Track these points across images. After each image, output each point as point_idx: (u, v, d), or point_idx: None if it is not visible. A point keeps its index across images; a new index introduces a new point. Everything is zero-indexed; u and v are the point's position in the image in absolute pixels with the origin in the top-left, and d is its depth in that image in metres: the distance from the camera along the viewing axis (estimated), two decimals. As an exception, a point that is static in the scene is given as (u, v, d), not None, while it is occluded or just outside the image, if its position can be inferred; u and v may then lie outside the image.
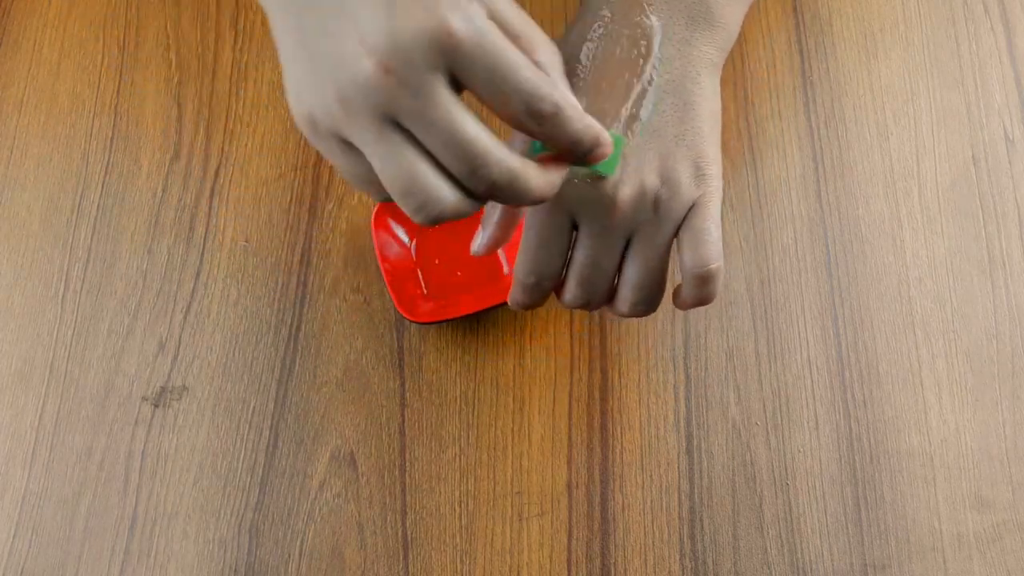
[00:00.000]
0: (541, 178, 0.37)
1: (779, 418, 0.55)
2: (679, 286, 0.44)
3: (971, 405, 0.55)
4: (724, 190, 0.59)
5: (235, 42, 0.64)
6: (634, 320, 0.57)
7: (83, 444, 0.55)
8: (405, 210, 0.36)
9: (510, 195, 0.36)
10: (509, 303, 0.47)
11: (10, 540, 0.54)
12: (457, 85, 0.35)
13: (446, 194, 0.35)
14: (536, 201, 0.37)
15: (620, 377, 0.56)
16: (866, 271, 0.58)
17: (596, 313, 0.57)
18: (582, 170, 0.40)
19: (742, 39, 0.63)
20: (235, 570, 0.53)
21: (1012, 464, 0.54)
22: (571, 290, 0.45)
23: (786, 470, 0.54)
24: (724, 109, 0.61)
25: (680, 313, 0.57)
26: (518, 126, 0.36)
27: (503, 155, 0.35)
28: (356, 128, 0.35)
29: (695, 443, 0.54)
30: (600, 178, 0.41)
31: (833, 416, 0.55)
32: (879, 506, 0.53)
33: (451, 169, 0.35)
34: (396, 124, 0.35)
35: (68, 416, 0.56)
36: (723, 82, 0.62)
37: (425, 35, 0.33)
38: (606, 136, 0.38)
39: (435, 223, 0.36)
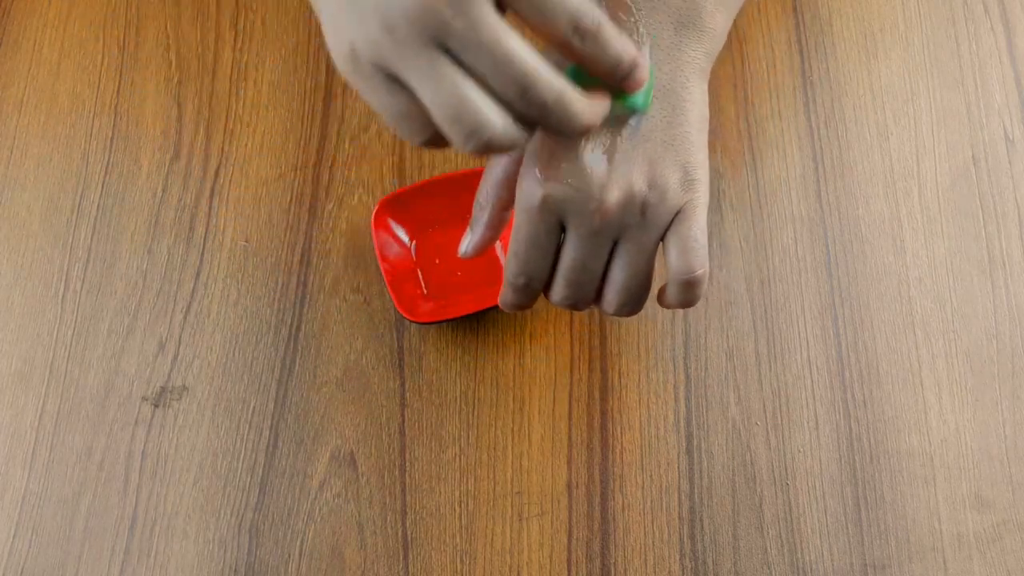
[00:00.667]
0: (587, 105, 0.37)
1: (779, 418, 0.55)
2: (664, 287, 0.45)
3: (971, 405, 0.55)
4: (724, 190, 0.59)
5: (235, 42, 0.64)
6: (634, 320, 0.57)
7: (83, 444, 0.55)
8: (454, 139, 0.36)
9: (560, 118, 0.36)
10: (500, 304, 0.47)
11: (10, 540, 0.54)
12: (501, 7, 0.35)
13: (496, 118, 0.35)
14: (583, 128, 0.37)
15: (620, 377, 0.56)
16: (866, 271, 0.58)
17: (596, 313, 0.57)
18: (621, 103, 0.41)
19: (742, 39, 0.63)
20: (235, 570, 0.53)
21: (1012, 464, 0.53)
22: (558, 291, 0.45)
23: (786, 470, 0.54)
24: (724, 109, 0.61)
25: (680, 313, 0.57)
26: (563, 45, 0.36)
27: (552, 76, 0.35)
28: (403, 56, 0.35)
29: (695, 443, 0.54)
30: (635, 113, 0.41)
31: (833, 416, 0.55)
32: (879, 506, 0.53)
33: (501, 92, 0.35)
34: (444, 49, 0.34)
35: (68, 416, 0.56)
36: (723, 82, 0.62)
37: None
38: (643, 59, 0.38)
39: (484, 150, 0.36)
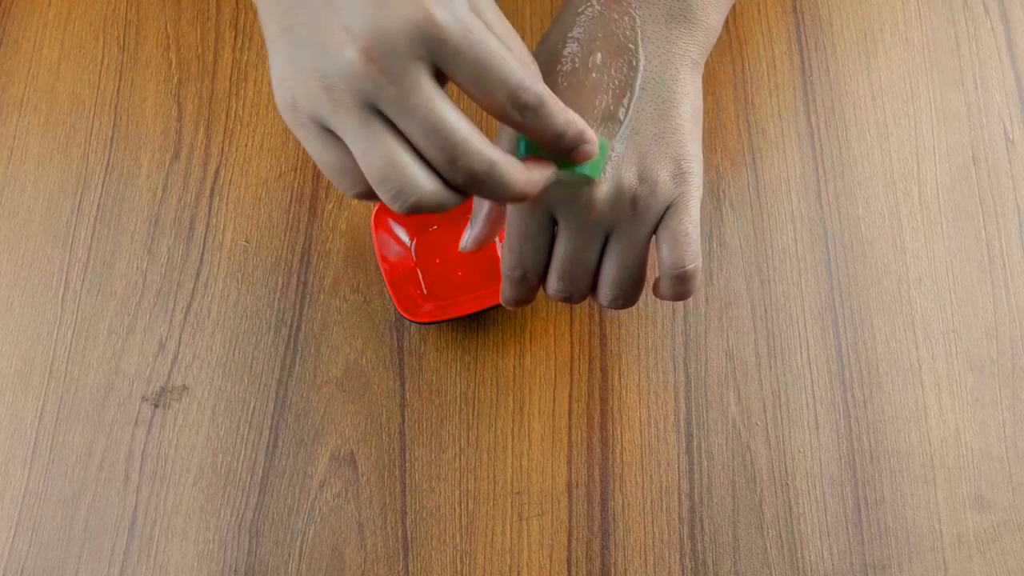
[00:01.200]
0: (523, 175, 0.37)
1: (779, 418, 0.55)
2: (658, 278, 0.45)
3: (971, 405, 0.55)
4: (724, 190, 0.59)
5: (235, 42, 0.64)
6: (634, 320, 0.57)
7: (83, 444, 0.55)
8: (383, 198, 0.36)
9: (489, 188, 0.36)
10: (501, 301, 0.47)
11: (10, 540, 0.54)
12: (441, 79, 0.35)
13: (423, 182, 0.35)
14: (518, 197, 0.37)
15: (620, 377, 0.56)
16: (866, 271, 0.58)
17: (596, 313, 0.57)
18: (568, 172, 0.40)
19: (742, 39, 0.63)
20: (235, 570, 0.53)
21: (1012, 464, 0.54)
22: (552, 283, 0.45)
23: (786, 470, 0.54)
24: (724, 109, 0.61)
25: (680, 313, 0.57)
26: (502, 117, 0.36)
27: (483, 147, 0.35)
28: (338, 115, 0.35)
29: (695, 443, 0.54)
30: (586, 181, 0.41)
31: (833, 416, 0.55)
32: (879, 506, 0.53)
33: (430, 158, 0.35)
34: (378, 112, 0.35)
35: (68, 416, 0.56)
36: (723, 82, 0.62)
37: (409, 24, 0.33)
38: (590, 134, 0.38)
39: (412, 212, 0.36)
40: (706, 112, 0.61)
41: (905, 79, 0.62)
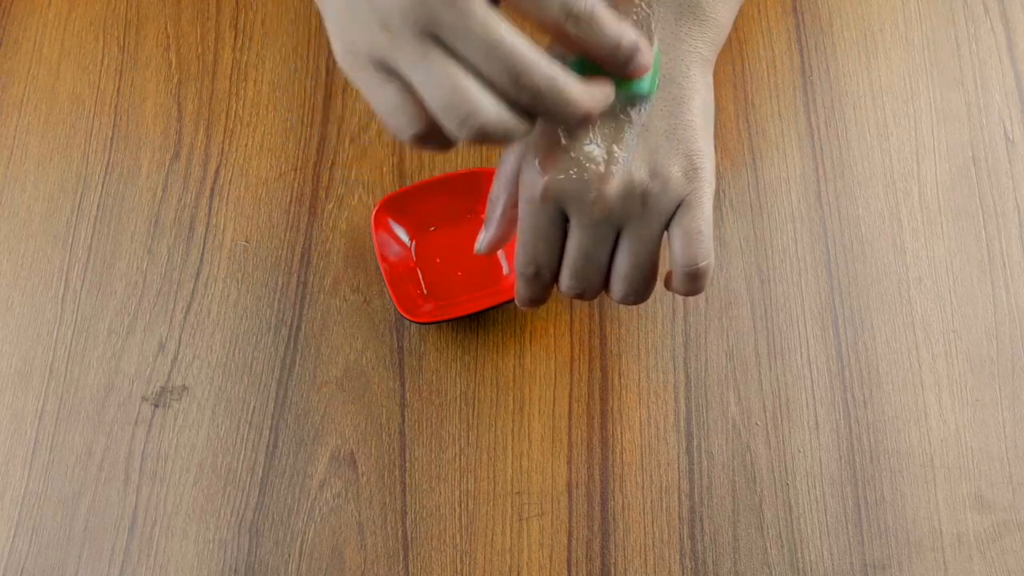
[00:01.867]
0: (585, 92, 0.37)
1: (779, 418, 0.55)
2: (670, 272, 0.45)
3: (971, 405, 0.55)
4: (724, 190, 0.59)
5: (235, 42, 0.64)
6: (634, 320, 0.57)
7: (83, 444, 0.55)
8: (448, 125, 0.36)
9: (554, 105, 0.36)
10: (517, 303, 0.47)
11: (10, 540, 0.54)
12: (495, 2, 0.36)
13: (488, 105, 0.35)
14: (582, 115, 0.37)
15: (620, 377, 0.56)
16: (866, 271, 0.58)
17: (596, 313, 0.57)
18: (626, 89, 0.40)
19: (742, 39, 0.63)
20: (235, 570, 0.53)
21: (1012, 464, 0.54)
22: (565, 280, 0.45)
23: (786, 470, 0.54)
24: (724, 109, 0.61)
25: (680, 313, 0.57)
26: (558, 32, 0.36)
27: (545, 63, 0.36)
28: (397, 49, 0.35)
29: (695, 443, 0.54)
30: (642, 99, 0.41)
31: (833, 416, 0.55)
32: (879, 506, 0.53)
33: (494, 81, 0.35)
34: (437, 40, 0.35)
35: (68, 416, 0.56)
36: (723, 82, 0.62)
37: None
38: (644, 42, 0.38)
39: (480, 138, 0.36)
40: (714, 121, 0.61)
41: (905, 79, 0.62)
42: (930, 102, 0.61)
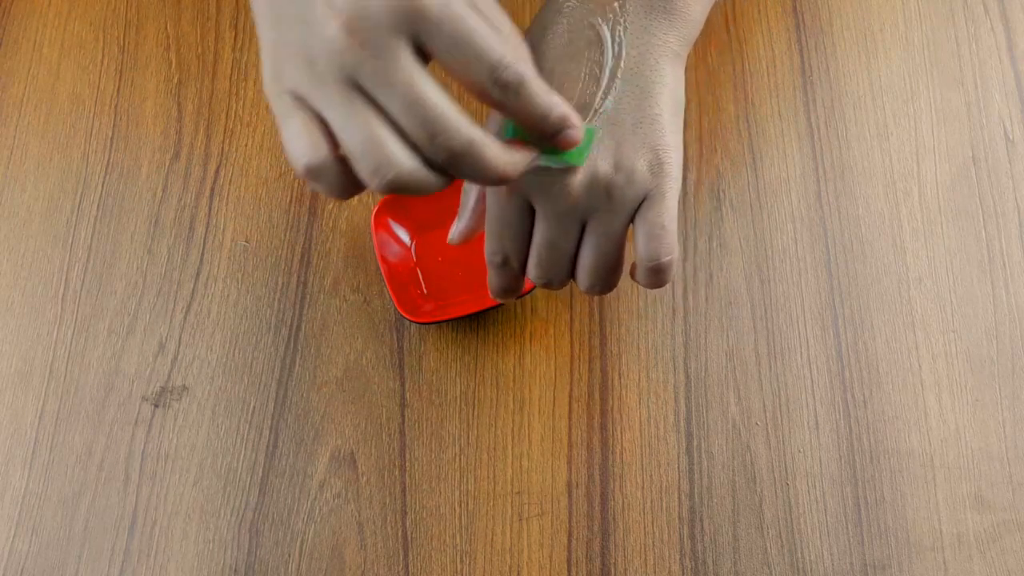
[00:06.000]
0: (504, 156, 0.37)
1: (779, 418, 0.55)
2: (635, 265, 0.44)
3: (971, 405, 0.55)
4: (724, 190, 0.59)
5: (235, 42, 0.64)
6: (634, 320, 0.57)
7: (83, 444, 0.55)
8: (361, 174, 0.36)
9: (469, 168, 0.36)
10: (490, 293, 0.47)
11: (10, 540, 0.54)
12: (424, 57, 0.35)
13: (402, 158, 0.35)
14: (497, 179, 0.37)
15: (620, 377, 0.56)
16: (866, 271, 0.58)
17: (596, 313, 0.57)
18: (551, 159, 0.40)
19: (742, 39, 0.63)
20: (235, 570, 0.53)
21: (1012, 464, 0.54)
22: (531, 269, 0.45)
23: (786, 470, 0.54)
24: (724, 109, 0.61)
25: (680, 313, 0.57)
26: (484, 97, 0.36)
27: (463, 125, 0.35)
28: (319, 89, 0.35)
29: (695, 443, 0.54)
30: (569, 168, 0.41)
31: (833, 416, 0.55)
32: (879, 506, 0.53)
33: (410, 135, 0.35)
34: (359, 88, 0.35)
35: (68, 416, 0.56)
36: (723, 82, 0.62)
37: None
38: (575, 119, 0.38)
39: (390, 189, 0.36)
40: (706, 112, 0.61)
41: (905, 79, 0.62)
42: (930, 102, 0.61)
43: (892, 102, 0.61)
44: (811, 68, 0.62)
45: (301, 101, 0.36)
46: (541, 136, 0.38)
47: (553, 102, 0.37)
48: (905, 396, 0.55)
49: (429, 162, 0.36)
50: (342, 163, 0.36)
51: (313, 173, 0.37)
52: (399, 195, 0.37)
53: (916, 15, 0.64)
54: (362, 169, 0.36)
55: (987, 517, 0.52)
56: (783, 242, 0.58)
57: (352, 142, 0.35)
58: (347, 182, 0.37)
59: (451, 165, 0.36)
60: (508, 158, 0.37)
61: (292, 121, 0.37)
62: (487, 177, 0.37)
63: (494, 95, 0.36)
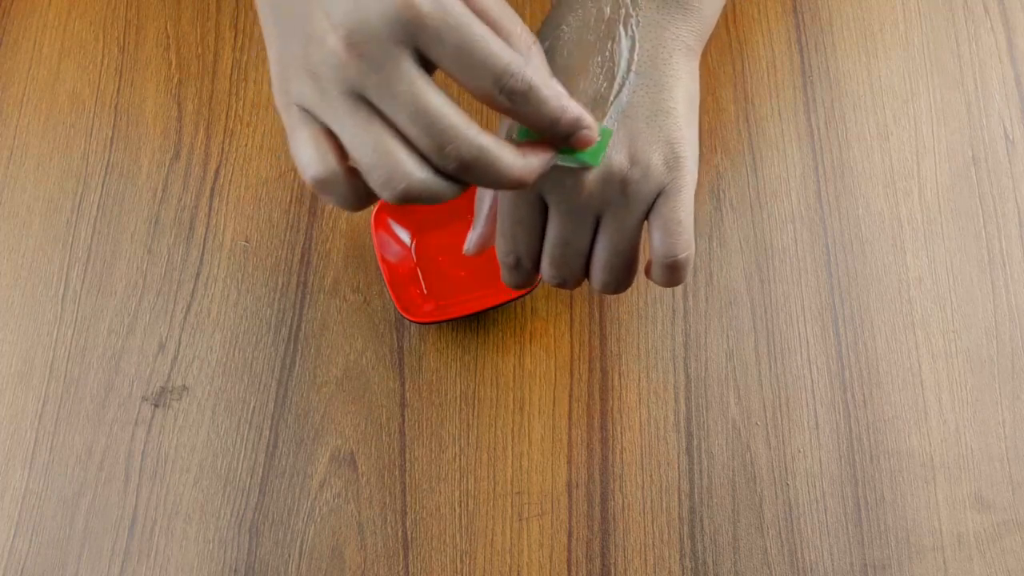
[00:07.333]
0: (517, 161, 0.36)
1: (779, 418, 0.55)
2: (650, 262, 0.44)
3: (971, 405, 0.55)
4: (724, 190, 0.59)
5: (235, 42, 0.64)
6: (634, 320, 0.57)
7: (83, 444, 0.55)
8: (373, 186, 0.36)
9: (482, 175, 0.36)
10: (503, 281, 0.47)
11: (10, 540, 0.54)
12: (429, 67, 0.35)
13: (413, 169, 0.35)
14: (513, 184, 0.37)
15: (620, 377, 0.56)
16: (866, 271, 0.58)
17: (596, 313, 0.57)
18: (566, 159, 0.40)
19: (742, 39, 0.63)
20: (235, 570, 0.53)
21: (1012, 464, 0.54)
22: (545, 269, 0.44)
23: (786, 470, 0.54)
24: (724, 109, 0.61)
25: (680, 313, 0.57)
26: (492, 104, 0.36)
27: (472, 132, 0.35)
28: (325, 103, 0.35)
29: (695, 443, 0.54)
30: (585, 168, 0.41)
31: (833, 416, 0.55)
32: (879, 506, 0.53)
33: (419, 145, 0.35)
34: (365, 100, 0.35)
35: (68, 416, 0.56)
36: (723, 82, 0.62)
37: (388, 10, 0.33)
38: (588, 119, 0.38)
39: (403, 200, 0.35)
40: (706, 112, 0.61)
41: (905, 79, 0.62)
42: (930, 102, 0.61)
43: (892, 102, 0.61)
44: (811, 68, 0.62)
45: (308, 114, 0.36)
46: (554, 138, 0.38)
47: (564, 105, 0.37)
48: (905, 396, 0.55)
49: (441, 170, 0.36)
50: (352, 175, 0.36)
51: (322, 185, 0.37)
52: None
53: (916, 15, 0.64)
54: (374, 181, 0.35)
55: (987, 517, 0.52)
56: (783, 242, 0.58)
57: (362, 155, 0.35)
58: (357, 193, 0.37)
59: (463, 173, 0.36)
60: (523, 162, 0.37)
61: (300, 133, 0.36)
62: (502, 183, 0.36)
63: (501, 103, 0.36)
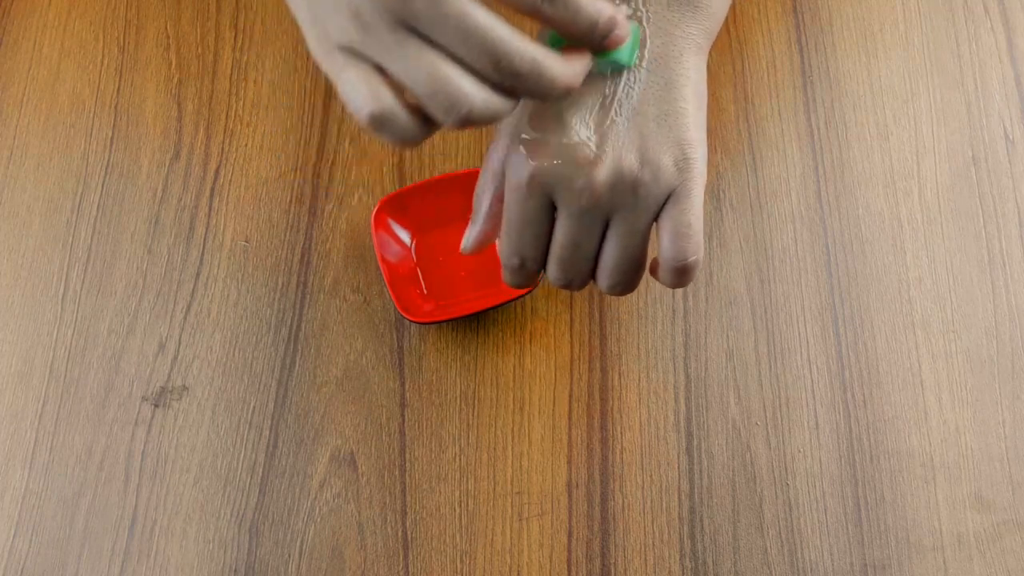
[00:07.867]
0: (565, 67, 0.37)
1: (779, 418, 0.55)
2: (656, 262, 0.44)
3: (971, 405, 0.55)
4: (724, 190, 0.59)
5: (235, 42, 0.64)
6: (634, 320, 0.57)
7: (83, 444, 0.55)
8: (435, 114, 0.36)
9: (536, 84, 0.36)
10: (504, 281, 0.46)
11: (10, 540, 0.54)
12: None
13: (472, 90, 0.35)
14: (563, 91, 0.37)
15: (620, 377, 0.56)
16: (866, 271, 0.58)
17: (596, 313, 0.57)
18: (603, 61, 0.40)
19: (742, 39, 0.63)
20: (235, 570, 0.53)
21: (1012, 464, 0.54)
22: (552, 271, 0.44)
23: (786, 470, 0.54)
24: (724, 109, 0.61)
25: (680, 313, 0.57)
26: (533, 12, 0.36)
27: (523, 43, 0.35)
28: (372, 40, 0.35)
29: (695, 443, 0.54)
30: (621, 70, 0.41)
31: (833, 416, 0.55)
32: (879, 506, 0.53)
33: (474, 65, 0.35)
34: (413, 30, 0.35)
35: (68, 416, 0.56)
36: (723, 82, 0.62)
37: None
38: (621, 18, 0.38)
39: (467, 124, 0.36)
40: (706, 112, 0.61)
41: (905, 79, 0.62)
42: (930, 102, 0.61)
43: (892, 102, 0.61)
44: (811, 68, 0.62)
45: (353, 53, 0.36)
46: (591, 43, 0.39)
47: (600, 7, 0.37)
48: (905, 396, 0.55)
49: (496, 86, 0.36)
50: (408, 108, 0.36)
51: (378, 122, 0.36)
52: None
53: (916, 15, 0.64)
54: (435, 109, 0.35)
55: (987, 517, 0.52)
56: (783, 242, 0.58)
57: (418, 84, 0.35)
58: (416, 126, 0.37)
59: (518, 86, 0.36)
60: (570, 69, 0.37)
61: (347, 75, 0.36)
62: (554, 91, 0.37)
63: (544, 11, 0.36)
